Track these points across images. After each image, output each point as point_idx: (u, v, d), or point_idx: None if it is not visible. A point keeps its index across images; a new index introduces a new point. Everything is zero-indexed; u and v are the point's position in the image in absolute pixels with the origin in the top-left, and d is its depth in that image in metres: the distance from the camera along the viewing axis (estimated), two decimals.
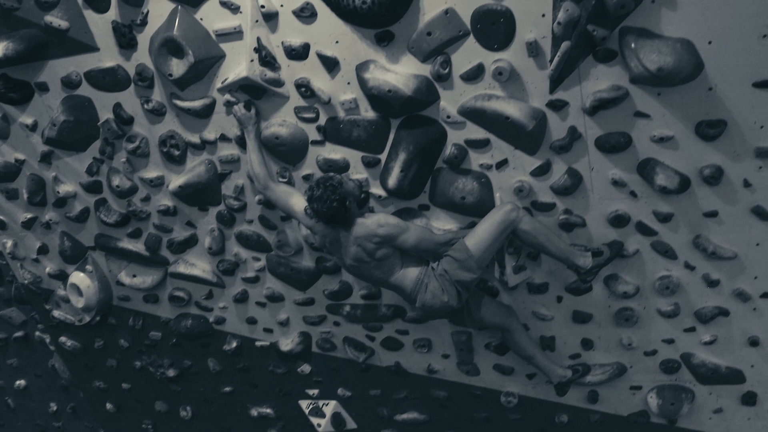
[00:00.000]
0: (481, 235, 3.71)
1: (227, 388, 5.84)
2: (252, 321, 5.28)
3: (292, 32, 3.78)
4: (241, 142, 4.25)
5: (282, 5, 3.72)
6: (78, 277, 5.40)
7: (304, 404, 5.51)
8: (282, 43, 3.82)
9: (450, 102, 3.75)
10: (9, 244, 5.56)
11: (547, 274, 4.21)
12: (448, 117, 3.78)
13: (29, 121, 4.68)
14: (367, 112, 3.93)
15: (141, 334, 5.74)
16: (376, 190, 4.13)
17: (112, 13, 4.04)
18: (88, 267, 5.39)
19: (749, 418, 4.42)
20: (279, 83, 3.94)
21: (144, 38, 4.06)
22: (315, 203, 3.71)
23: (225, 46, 3.95)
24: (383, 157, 4.03)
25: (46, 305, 5.92)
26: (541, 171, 3.81)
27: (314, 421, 5.51)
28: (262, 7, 3.70)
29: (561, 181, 3.81)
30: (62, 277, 5.59)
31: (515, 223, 3.67)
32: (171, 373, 5.87)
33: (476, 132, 3.79)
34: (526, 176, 3.86)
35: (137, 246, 5.13)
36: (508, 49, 3.49)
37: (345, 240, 3.83)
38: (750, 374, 4.22)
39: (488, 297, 4.23)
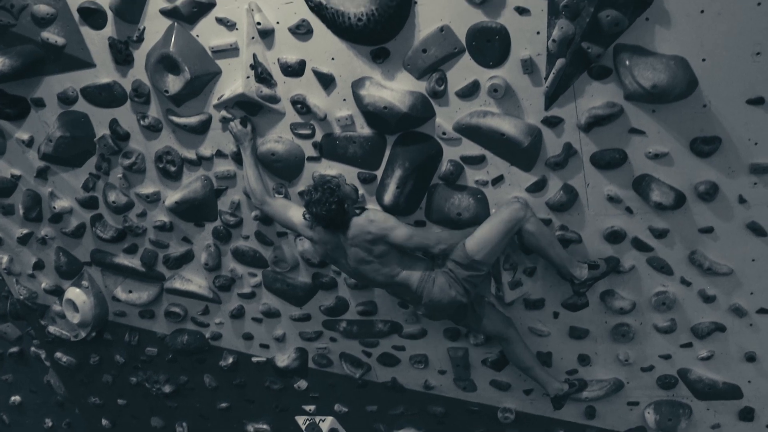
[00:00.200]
0: (488, 232, 3.69)
1: (223, 404, 5.82)
2: (248, 337, 5.26)
3: (288, 49, 3.79)
4: (238, 158, 4.25)
5: (278, 22, 3.73)
6: (74, 293, 5.39)
7: (301, 420, 5.47)
8: (278, 59, 3.83)
9: (445, 118, 3.75)
10: (5, 259, 5.55)
11: (544, 290, 4.21)
12: (444, 133, 3.79)
13: (25, 136, 4.69)
14: (363, 129, 3.93)
15: (137, 349, 5.72)
16: (372, 206, 4.13)
17: (109, 30, 4.05)
18: (84, 282, 5.39)
19: None
20: (275, 99, 3.95)
21: (140, 54, 4.07)
22: (314, 206, 3.67)
23: (221, 63, 3.96)
24: (379, 173, 4.03)
25: (41, 321, 5.90)
26: (537, 187, 3.81)
27: None
28: (259, 24, 3.71)
29: (557, 197, 3.81)
30: (58, 292, 5.58)
31: (522, 222, 3.66)
32: (167, 388, 5.85)
33: (472, 148, 3.80)
34: (521, 192, 3.86)
35: (133, 261, 5.12)
36: (504, 66, 3.50)
37: (345, 244, 3.81)
38: (747, 390, 4.21)
39: (490, 304, 4.22)
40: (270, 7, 3.71)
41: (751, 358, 4.07)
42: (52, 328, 5.84)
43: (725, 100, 3.27)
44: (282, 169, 4.18)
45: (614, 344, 4.29)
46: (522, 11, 3.32)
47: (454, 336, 4.63)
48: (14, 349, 6.40)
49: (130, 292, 5.29)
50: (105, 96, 4.30)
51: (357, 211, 3.77)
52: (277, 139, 4.10)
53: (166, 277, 5.13)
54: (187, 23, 3.88)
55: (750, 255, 3.72)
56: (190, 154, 4.39)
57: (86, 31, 4.10)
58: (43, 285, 5.58)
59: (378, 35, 3.53)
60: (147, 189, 4.66)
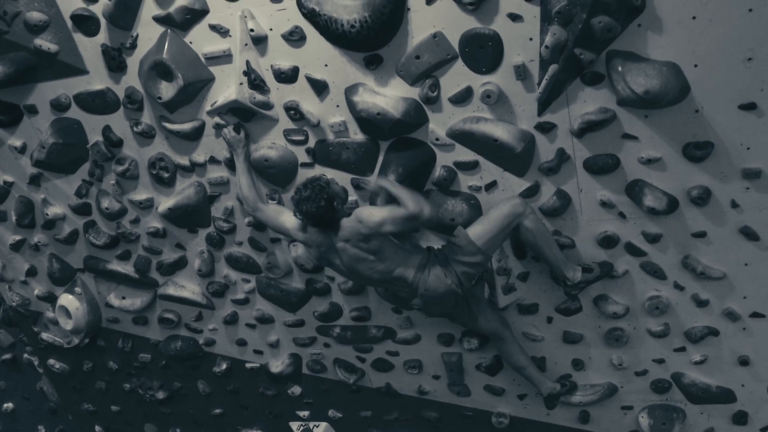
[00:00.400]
0: (486, 224, 3.68)
1: (217, 410, 5.80)
2: (242, 343, 5.25)
3: (282, 55, 3.79)
4: (231, 165, 4.25)
5: (271, 29, 3.73)
6: (67, 299, 5.37)
7: (295, 426, 5.45)
8: (271, 66, 3.83)
9: (439, 124, 3.76)
10: None
11: (537, 295, 4.22)
12: (437, 139, 3.79)
13: (18, 143, 4.68)
14: (357, 135, 3.94)
15: (130, 356, 5.70)
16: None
17: (102, 37, 4.04)
18: (77, 289, 5.37)
19: None
20: (268, 106, 3.95)
21: (133, 61, 4.06)
22: (303, 204, 3.63)
23: (214, 69, 3.95)
24: (373, 179, 4.03)
25: (34, 327, 5.88)
26: (530, 192, 3.82)
27: None
28: (252, 30, 3.71)
29: (550, 202, 3.82)
30: (51, 299, 5.56)
31: (521, 218, 3.66)
32: (160, 395, 5.84)
33: (465, 154, 3.81)
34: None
35: (126, 268, 5.11)
36: (496, 72, 3.51)
37: (338, 244, 3.78)
38: (741, 394, 4.22)
39: (486, 303, 4.22)
40: (263, 13, 3.70)
41: (744, 361, 4.09)
42: (45, 335, 5.83)
43: (717, 105, 3.28)
44: (275, 176, 4.18)
45: (608, 348, 4.29)
46: (515, 18, 3.33)
47: (448, 341, 4.63)
48: (7, 356, 6.38)
49: (124, 298, 5.27)
50: (98, 103, 4.29)
51: (347, 212, 3.77)
52: (271, 145, 4.09)
53: (159, 284, 5.12)
54: (180, 30, 3.88)
55: (743, 259, 3.74)
56: (184, 161, 4.38)
57: (79, 38, 4.09)
58: (35, 292, 5.57)
59: (371, 42, 3.53)
60: (140, 195, 4.64)
